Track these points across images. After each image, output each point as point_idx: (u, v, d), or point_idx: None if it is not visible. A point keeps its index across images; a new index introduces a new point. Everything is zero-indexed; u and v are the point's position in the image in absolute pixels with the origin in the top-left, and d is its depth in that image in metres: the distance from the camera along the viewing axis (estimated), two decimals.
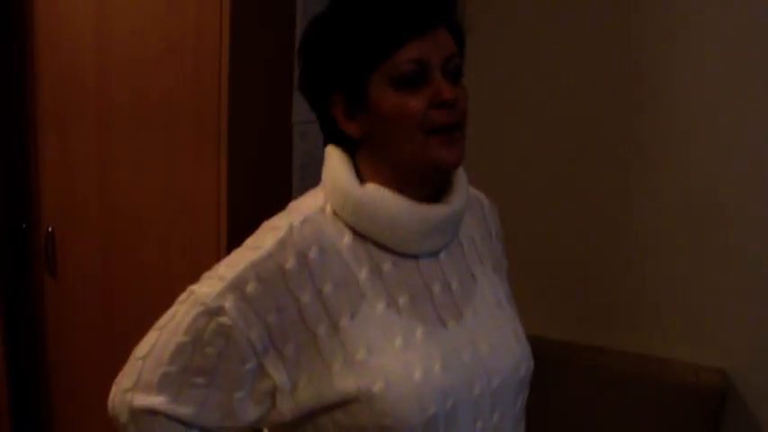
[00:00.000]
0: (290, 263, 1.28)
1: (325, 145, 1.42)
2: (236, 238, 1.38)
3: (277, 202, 1.44)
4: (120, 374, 1.38)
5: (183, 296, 1.33)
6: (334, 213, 1.35)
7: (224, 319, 1.26)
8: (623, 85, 2.78)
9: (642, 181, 2.80)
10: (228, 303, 1.26)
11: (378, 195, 1.32)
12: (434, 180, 1.37)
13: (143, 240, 2.50)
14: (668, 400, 2.66)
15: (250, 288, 1.26)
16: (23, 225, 2.73)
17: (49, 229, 2.67)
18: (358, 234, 1.34)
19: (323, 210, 1.36)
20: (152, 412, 1.33)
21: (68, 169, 2.61)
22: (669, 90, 2.72)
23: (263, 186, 2.40)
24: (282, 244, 1.29)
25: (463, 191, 1.41)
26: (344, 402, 1.27)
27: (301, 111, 2.47)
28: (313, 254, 1.30)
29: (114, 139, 2.49)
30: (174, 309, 1.34)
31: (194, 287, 1.32)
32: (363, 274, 1.32)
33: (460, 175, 1.42)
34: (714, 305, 2.76)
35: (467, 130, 1.34)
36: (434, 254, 1.39)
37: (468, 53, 1.41)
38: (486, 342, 1.38)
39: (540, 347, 2.78)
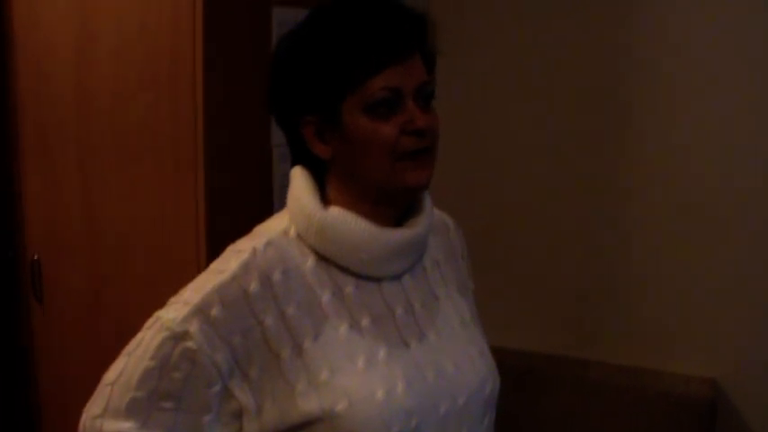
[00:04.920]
0: (254, 286, 1.30)
1: (292, 166, 1.43)
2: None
3: (258, 224, 1.45)
4: (90, 401, 1.38)
5: (149, 321, 1.34)
6: (299, 236, 1.36)
7: (189, 344, 1.27)
8: (612, 88, 2.79)
9: (630, 194, 2.80)
10: (193, 327, 1.27)
11: (340, 218, 1.33)
12: (401, 202, 1.38)
13: (127, 264, 2.51)
14: (658, 411, 2.65)
15: (215, 312, 1.27)
16: (9, 253, 2.74)
17: (35, 257, 2.68)
18: (321, 257, 1.35)
19: (287, 232, 1.37)
20: None
21: (52, 197, 2.62)
22: (659, 95, 2.72)
23: (244, 209, 2.40)
24: (246, 267, 1.31)
25: (427, 215, 1.42)
26: (308, 423, 1.28)
27: (281, 132, 2.48)
28: (276, 276, 1.32)
29: (96, 166, 2.52)
30: (141, 334, 1.34)
31: (160, 312, 1.33)
32: (326, 296, 1.34)
33: (425, 200, 1.44)
34: (705, 315, 2.76)
35: (437, 153, 1.35)
36: (397, 276, 1.40)
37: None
38: (451, 361, 1.39)
39: (528, 361, 2.82)
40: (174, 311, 1.30)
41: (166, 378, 1.30)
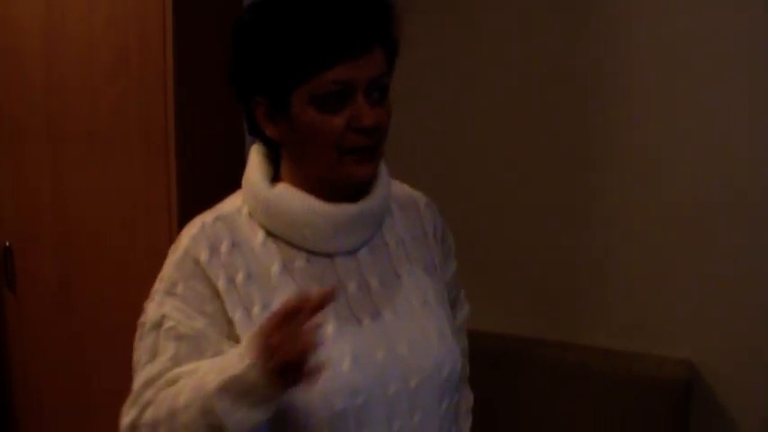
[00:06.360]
0: (204, 255, 1.34)
1: (250, 136, 1.45)
2: None
3: None
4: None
5: (137, 335, 1.37)
6: (250, 214, 1.39)
7: (170, 323, 1.31)
8: (582, 74, 2.76)
9: (605, 175, 2.79)
10: (167, 309, 1.32)
11: (285, 195, 1.36)
12: (347, 190, 1.38)
13: (100, 252, 2.52)
14: (634, 393, 2.66)
15: (180, 289, 1.33)
16: None
17: (7, 244, 2.66)
18: (271, 234, 1.37)
19: (240, 210, 1.41)
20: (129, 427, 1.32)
21: (23, 184, 2.62)
22: (640, 85, 2.70)
23: (216, 196, 2.38)
24: (195, 239, 1.36)
25: (380, 191, 1.42)
26: None
27: None
28: (225, 247, 1.35)
29: (67, 154, 2.51)
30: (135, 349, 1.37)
31: (140, 320, 1.36)
32: (275, 268, 1.36)
33: (381, 176, 1.43)
34: (680, 297, 2.75)
35: (384, 147, 1.36)
36: (352, 252, 1.40)
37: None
38: (405, 341, 1.38)
39: (503, 344, 2.82)
40: (149, 307, 1.35)
41: (158, 361, 1.31)
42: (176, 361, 1.30)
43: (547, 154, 2.86)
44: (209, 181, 2.40)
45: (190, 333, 1.30)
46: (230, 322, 1.32)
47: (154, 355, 1.32)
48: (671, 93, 2.66)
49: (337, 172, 1.32)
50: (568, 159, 2.83)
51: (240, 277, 1.34)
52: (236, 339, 1.30)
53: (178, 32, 2.25)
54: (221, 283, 1.33)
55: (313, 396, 1.27)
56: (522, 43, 2.83)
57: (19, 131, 2.58)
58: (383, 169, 1.44)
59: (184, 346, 1.30)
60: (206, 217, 1.40)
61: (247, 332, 1.27)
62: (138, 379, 1.33)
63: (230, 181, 2.47)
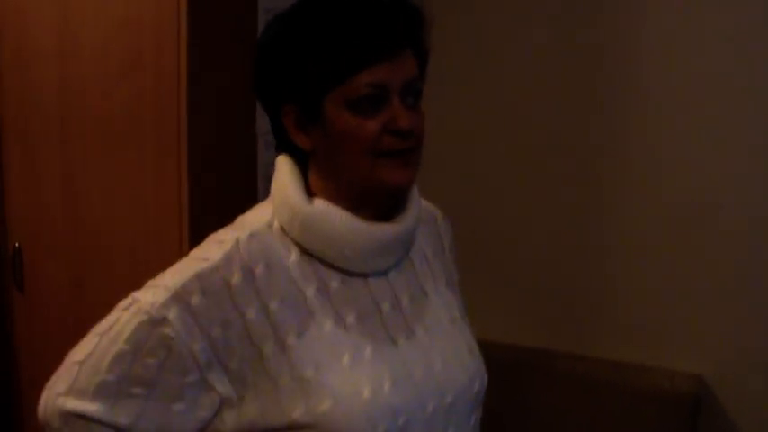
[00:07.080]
0: (236, 278, 1.26)
1: (276, 152, 1.40)
2: None
3: (242, 213, 1.42)
4: (54, 378, 1.35)
5: (125, 302, 1.30)
6: (282, 229, 1.33)
7: (167, 330, 1.24)
8: (583, 76, 2.76)
9: (614, 186, 2.78)
10: (172, 314, 1.23)
11: (326, 213, 1.30)
12: (383, 200, 1.35)
13: (109, 253, 2.50)
14: (643, 407, 2.64)
15: (195, 301, 1.24)
16: None
17: (16, 245, 2.66)
18: (305, 251, 1.32)
19: (270, 225, 1.34)
20: (85, 418, 1.29)
21: (34, 185, 2.61)
22: (640, 87, 2.69)
23: (228, 198, 2.39)
24: (228, 258, 1.27)
25: (414, 209, 1.39)
26: (292, 428, 1.25)
27: (266, 121, 2.47)
28: (260, 270, 1.28)
29: (78, 154, 2.50)
30: (115, 315, 1.30)
31: (138, 294, 1.29)
32: (311, 291, 1.31)
33: (413, 193, 1.40)
34: (691, 311, 2.73)
35: (421, 152, 1.32)
36: (384, 272, 1.37)
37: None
38: (439, 358, 1.37)
39: (514, 355, 2.80)
40: (153, 295, 1.26)
41: (139, 363, 1.26)
42: (154, 377, 1.26)
43: (558, 167, 2.85)
44: (220, 182, 2.40)
45: (184, 353, 1.25)
46: (249, 355, 1.26)
47: (135, 349, 1.25)
48: (675, 94, 2.66)
49: (372, 178, 1.28)
50: (579, 174, 2.82)
51: (274, 304, 1.28)
52: (257, 371, 1.26)
53: (192, 33, 2.24)
54: (251, 312, 1.26)
55: (359, 421, 1.24)
56: (523, 43, 2.83)
57: (30, 132, 2.58)
58: (414, 186, 1.41)
59: (170, 362, 1.25)
60: (239, 233, 1.31)
61: (279, 363, 1.25)
62: (100, 361, 1.27)
63: (242, 183, 2.51)
